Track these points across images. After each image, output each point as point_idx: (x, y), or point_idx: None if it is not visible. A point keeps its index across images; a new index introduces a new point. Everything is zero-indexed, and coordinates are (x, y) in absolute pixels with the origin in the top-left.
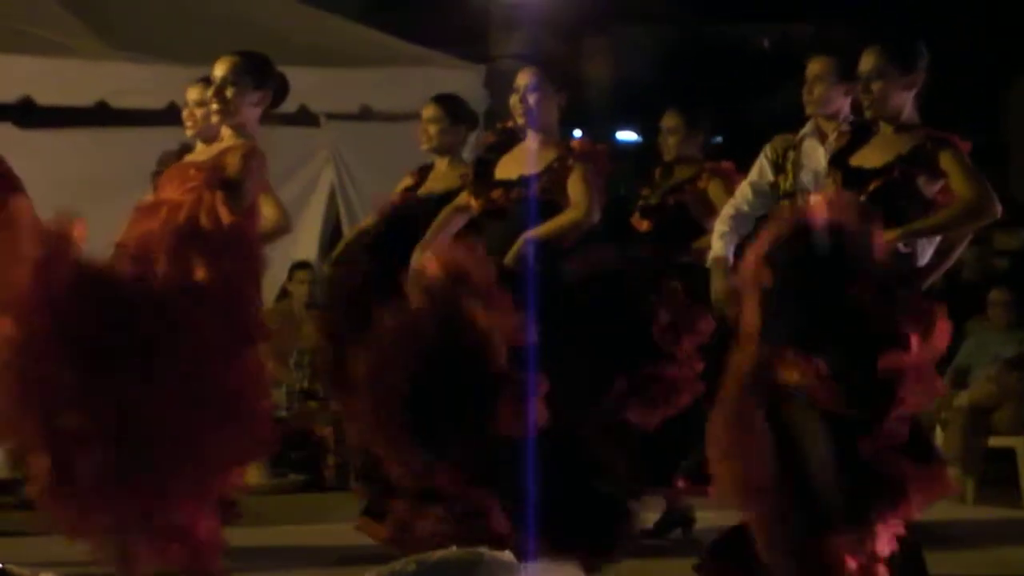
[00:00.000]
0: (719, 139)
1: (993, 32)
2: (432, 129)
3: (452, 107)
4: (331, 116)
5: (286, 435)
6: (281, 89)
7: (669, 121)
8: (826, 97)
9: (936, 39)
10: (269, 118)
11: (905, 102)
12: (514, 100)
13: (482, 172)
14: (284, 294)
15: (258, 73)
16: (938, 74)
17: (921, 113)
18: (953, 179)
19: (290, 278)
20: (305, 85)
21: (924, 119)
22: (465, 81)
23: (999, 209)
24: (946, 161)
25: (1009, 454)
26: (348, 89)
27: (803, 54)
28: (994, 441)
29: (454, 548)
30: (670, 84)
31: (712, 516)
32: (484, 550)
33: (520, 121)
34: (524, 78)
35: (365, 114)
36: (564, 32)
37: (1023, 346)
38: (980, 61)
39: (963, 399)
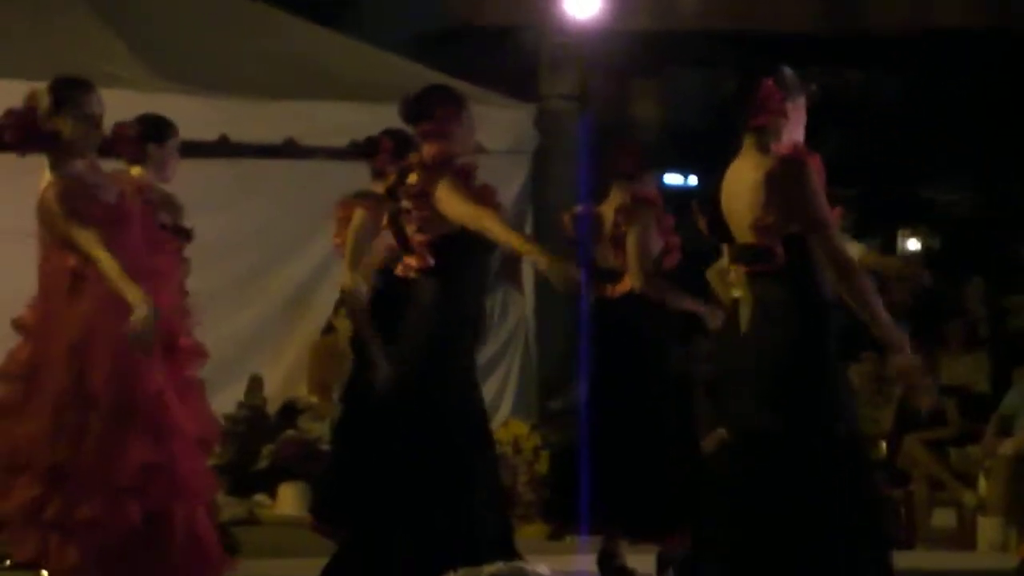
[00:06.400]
0: None
1: None
2: None
3: None
4: None
5: None
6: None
7: None
8: None
9: None
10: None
11: None
12: None
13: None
14: (330, 328)
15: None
16: None
17: None
18: None
19: (336, 313)
20: (356, 121)
21: None
22: (515, 120)
23: None
24: None
25: None
26: (399, 125)
27: (853, 100)
28: None
29: (500, 564)
30: (721, 129)
31: None
32: (523, 564)
33: None
34: None
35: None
36: (615, 74)
37: None
38: None
39: (1007, 447)
